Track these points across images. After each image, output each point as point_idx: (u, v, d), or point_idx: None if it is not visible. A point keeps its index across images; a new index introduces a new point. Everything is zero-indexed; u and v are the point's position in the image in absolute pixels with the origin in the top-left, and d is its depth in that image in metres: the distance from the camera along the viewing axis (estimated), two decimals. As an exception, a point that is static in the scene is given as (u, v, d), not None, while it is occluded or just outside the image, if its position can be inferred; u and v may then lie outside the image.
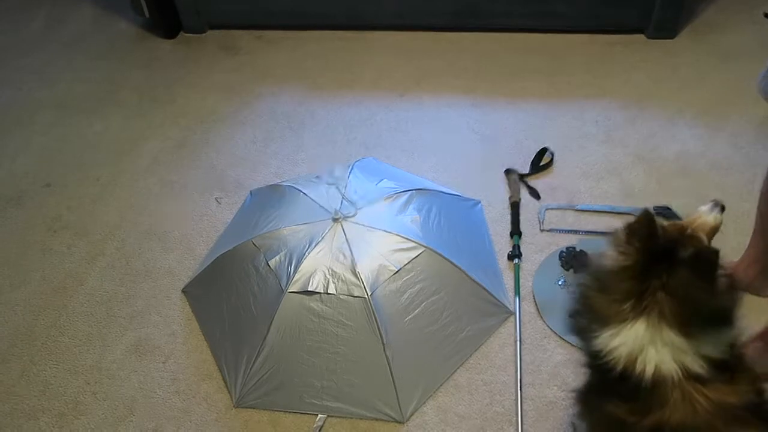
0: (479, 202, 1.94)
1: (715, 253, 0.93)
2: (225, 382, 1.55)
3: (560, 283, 1.70)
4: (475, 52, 2.62)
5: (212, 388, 1.56)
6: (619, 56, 2.52)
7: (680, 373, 0.94)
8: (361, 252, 1.50)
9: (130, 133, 2.39)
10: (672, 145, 2.12)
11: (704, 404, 0.94)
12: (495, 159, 2.12)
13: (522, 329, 1.61)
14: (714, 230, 1.05)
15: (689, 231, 1.03)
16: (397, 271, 1.50)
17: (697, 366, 0.94)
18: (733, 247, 1.75)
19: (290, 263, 1.50)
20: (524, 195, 1.98)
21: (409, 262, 1.52)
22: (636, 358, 0.96)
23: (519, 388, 1.49)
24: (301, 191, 1.70)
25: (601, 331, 0.99)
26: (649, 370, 0.95)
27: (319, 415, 1.48)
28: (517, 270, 1.74)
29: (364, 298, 1.45)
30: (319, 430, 1.46)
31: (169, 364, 1.62)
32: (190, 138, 2.34)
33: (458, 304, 1.56)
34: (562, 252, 1.77)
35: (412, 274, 1.52)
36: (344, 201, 1.62)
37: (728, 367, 0.97)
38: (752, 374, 0.99)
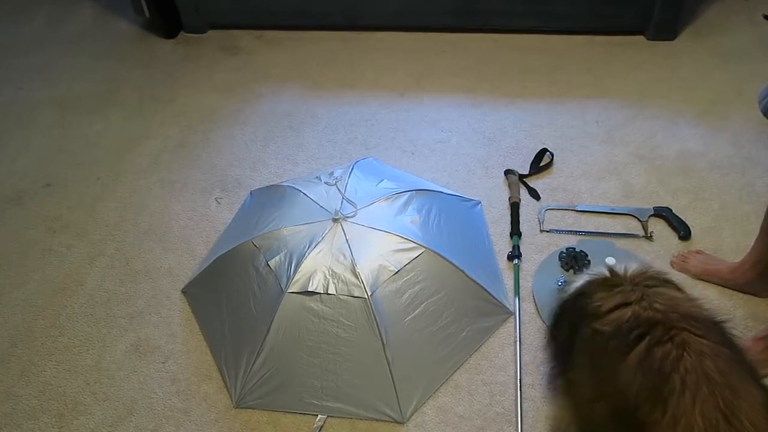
0: (479, 202, 1.94)
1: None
2: (225, 383, 1.55)
3: (560, 283, 1.70)
4: (475, 52, 2.62)
5: (212, 389, 1.56)
6: (620, 57, 2.52)
7: None
8: (361, 252, 1.50)
9: (130, 132, 2.39)
10: (673, 144, 2.12)
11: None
12: (495, 159, 2.12)
13: (522, 330, 1.61)
14: None
15: None
16: (397, 272, 1.50)
17: None
18: (732, 248, 1.76)
19: (290, 263, 1.50)
20: (524, 195, 1.97)
21: (409, 263, 1.52)
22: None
23: (519, 388, 1.49)
24: (301, 191, 1.70)
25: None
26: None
27: (319, 416, 1.47)
28: (516, 270, 1.74)
29: (364, 298, 1.45)
30: (319, 430, 1.46)
31: (169, 364, 1.62)
32: (190, 138, 2.34)
33: (458, 305, 1.56)
34: (561, 252, 1.77)
35: (412, 275, 1.52)
36: (344, 201, 1.62)
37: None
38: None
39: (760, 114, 1.36)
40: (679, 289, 1.08)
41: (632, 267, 1.10)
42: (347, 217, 1.57)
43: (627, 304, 1.02)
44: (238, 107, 2.46)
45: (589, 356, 1.06)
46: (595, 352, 1.04)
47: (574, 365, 1.12)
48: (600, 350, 1.02)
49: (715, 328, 0.99)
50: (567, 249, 1.77)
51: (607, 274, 1.11)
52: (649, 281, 1.06)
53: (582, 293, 1.13)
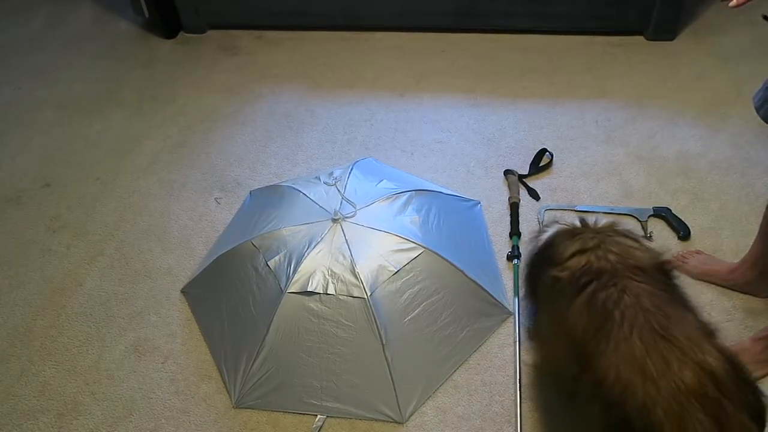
0: (479, 202, 1.94)
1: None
2: (224, 383, 1.55)
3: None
4: (475, 52, 2.62)
5: (211, 389, 1.56)
6: (619, 57, 2.53)
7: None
8: (361, 252, 1.50)
9: (129, 132, 2.39)
10: (672, 145, 2.12)
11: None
12: (494, 159, 2.12)
13: (521, 330, 1.60)
14: None
15: None
16: (396, 272, 1.50)
17: None
18: (732, 248, 1.76)
19: (290, 264, 1.50)
20: (524, 196, 1.97)
21: (408, 263, 1.52)
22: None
23: (518, 388, 1.49)
24: (300, 191, 1.70)
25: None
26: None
27: (319, 416, 1.48)
28: (516, 270, 1.74)
29: (364, 298, 1.45)
30: (319, 430, 1.46)
31: (168, 364, 1.62)
32: (189, 138, 2.34)
33: (457, 305, 1.56)
34: (561, 253, 1.77)
35: (411, 275, 1.52)
36: (344, 201, 1.62)
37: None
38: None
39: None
40: (638, 242, 1.16)
41: (603, 221, 1.20)
42: (347, 217, 1.57)
43: (583, 251, 1.11)
44: (237, 107, 2.46)
45: (548, 300, 1.17)
46: (552, 297, 1.14)
47: (538, 310, 1.23)
48: (556, 295, 1.12)
49: (657, 275, 1.09)
50: (566, 249, 1.77)
51: (577, 223, 1.20)
52: (611, 232, 1.15)
53: (550, 244, 1.21)
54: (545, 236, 1.26)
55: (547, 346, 1.20)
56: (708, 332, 1.01)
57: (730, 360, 0.97)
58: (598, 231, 1.16)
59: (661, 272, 1.12)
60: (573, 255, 1.13)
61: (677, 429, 0.92)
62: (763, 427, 0.96)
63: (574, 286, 1.09)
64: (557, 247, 1.18)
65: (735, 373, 0.96)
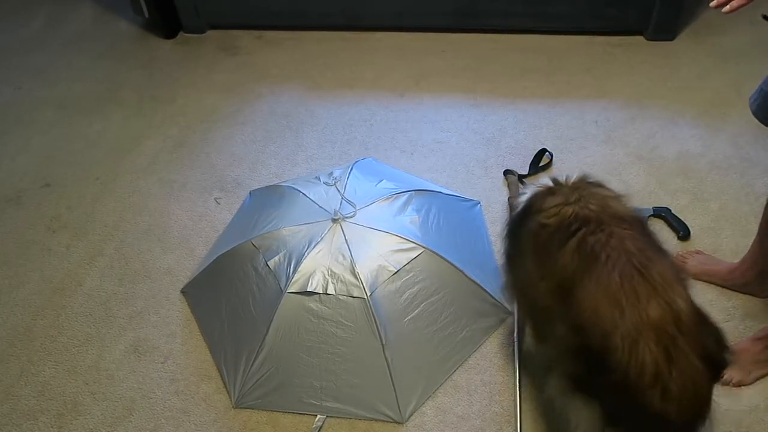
0: (478, 202, 1.94)
1: None
2: (224, 383, 1.55)
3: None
4: (475, 53, 2.62)
5: (211, 389, 1.56)
6: (619, 57, 2.53)
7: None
8: (361, 252, 1.50)
9: (129, 132, 2.39)
10: (672, 145, 2.12)
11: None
12: (494, 159, 2.12)
13: (521, 330, 1.60)
14: None
15: None
16: (396, 272, 1.50)
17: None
18: (731, 248, 1.76)
19: (289, 264, 1.50)
20: (524, 195, 1.97)
21: (408, 263, 1.52)
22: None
23: (518, 388, 1.49)
24: (300, 192, 1.70)
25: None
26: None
27: (318, 416, 1.48)
28: (516, 271, 1.73)
29: (364, 298, 1.45)
30: (318, 430, 1.46)
31: (168, 364, 1.62)
32: (189, 138, 2.34)
33: (457, 305, 1.56)
34: (561, 252, 1.77)
35: (411, 275, 1.52)
36: (343, 201, 1.62)
37: None
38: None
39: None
40: (613, 191, 1.26)
41: (573, 176, 1.28)
42: (346, 217, 1.57)
43: (567, 204, 1.20)
44: (237, 107, 2.46)
45: (536, 245, 1.24)
46: (541, 241, 1.22)
47: (521, 253, 1.30)
48: (546, 240, 1.20)
49: (637, 225, 1.18)
50: (566, 249, 1.77)
51: (551, 183, 1.28)
52: (586, 186, 1.24)
53: (531, 202, 1.28)
54: (524, 198, 1.33)
55: (532, 287, 1.26)
56: (681, 278, 1.09)
57: (698, 307, 1.06)
58: (575, 187, 1.24)
59: (639, 221, 1.20)
60: (557, 206, 1.21)
61: (628, 353, 0.99)
62: (717, 375, 1.04)
63: (565, 231, 1.17)
64: (538, 202, 1.26)
65: (700, 318, 1.05)
